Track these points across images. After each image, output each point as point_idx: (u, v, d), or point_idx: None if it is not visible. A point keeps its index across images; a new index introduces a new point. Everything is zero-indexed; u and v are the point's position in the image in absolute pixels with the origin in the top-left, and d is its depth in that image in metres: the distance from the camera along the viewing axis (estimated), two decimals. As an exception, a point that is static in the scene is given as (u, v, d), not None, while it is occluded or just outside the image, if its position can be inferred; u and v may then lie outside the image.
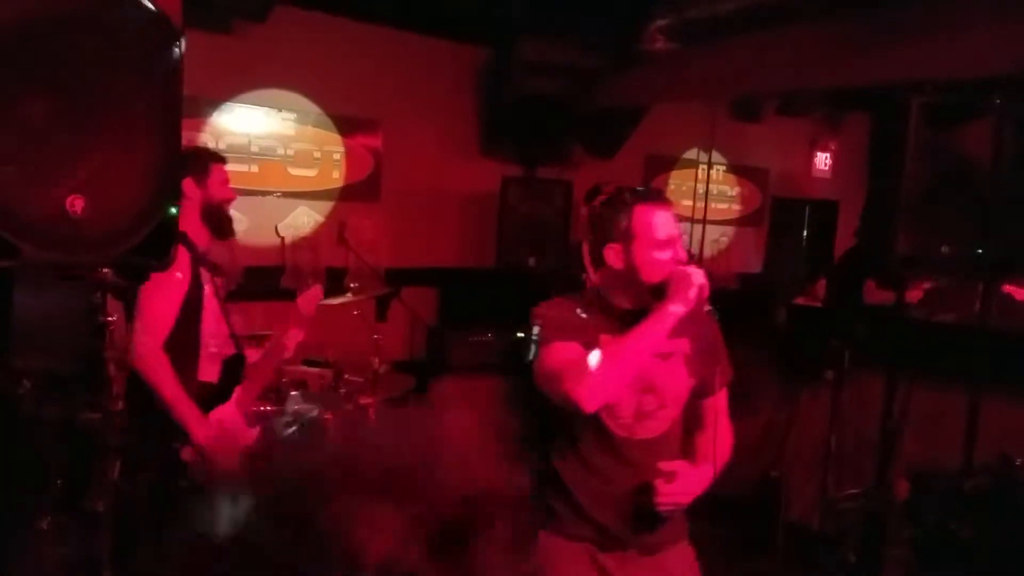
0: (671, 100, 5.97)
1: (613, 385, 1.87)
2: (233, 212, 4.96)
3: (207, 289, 2.75)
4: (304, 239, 5.32)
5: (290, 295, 3.19)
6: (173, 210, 1.71)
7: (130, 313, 3.03)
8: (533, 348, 1.95)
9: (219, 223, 2.77)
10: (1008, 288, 3.95)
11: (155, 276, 2.57)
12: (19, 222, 1.42)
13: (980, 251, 3.08)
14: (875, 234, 3.18)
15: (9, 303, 2.07)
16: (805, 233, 6.73)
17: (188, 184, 2.68)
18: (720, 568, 4.37)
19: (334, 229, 5.32)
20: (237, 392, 2.78)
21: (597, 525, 2.00)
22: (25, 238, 1.43)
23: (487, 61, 5.79)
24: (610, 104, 5.71)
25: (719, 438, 2.15)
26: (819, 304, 5.98)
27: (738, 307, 5.63)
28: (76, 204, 1.48)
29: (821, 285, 6.17)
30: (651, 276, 1.94)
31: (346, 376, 3.80)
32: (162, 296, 2.59)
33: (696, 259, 6.79)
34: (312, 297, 3.00)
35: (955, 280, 3.85)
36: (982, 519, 2.78)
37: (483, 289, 5.67)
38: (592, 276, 2.08)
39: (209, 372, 2.76)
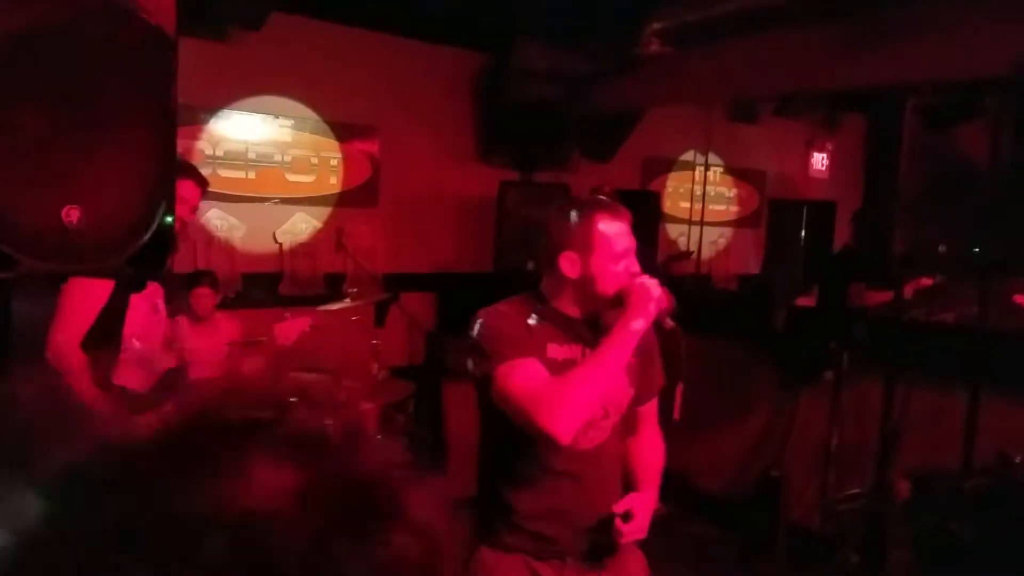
0: (668, 103, 5.98)
1: (587, 411, 1.84)
2: (231, 218, 5.03)
3: (136, 296, 2.70)
4: (302, 245, 5.33)
5: (289, 301, 3.19)
6: (169, 219, 1.71)
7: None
8: (484, 362, 1.90)
9: None
10: (1020, 299, 3.95)
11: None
12: (15, 233, 1.42)
13: (977, 250, 3.09)
14: (872, 235, 3.18)
15: (8, 314, 2.07)
16: (803, 234, 6.73)
17: None
18: (721, 569, 4.39)
19: (332, 235, 5.33)
20: (168, 405, 2.72)
21: (533, 534, 1.96)
22: (21, 249, 1.43)
23: (483, 66, 5.80)
24: (607, 108, 5.72)
25: (655, 446, 2.14)
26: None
27: (737, 309, 5.67)
28: (72, 214, 1.48)
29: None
30: (607, 288, 1.92)
31: (345, 382, 3.80)
32: (83, 295, 2.55)
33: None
34: (292, 328, 2.95)
35: (953, 279, 3.87)
36: (982, 519, 2.78)
37: (481, 293, 5.62)
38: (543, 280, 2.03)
39: (129, 377, 2.72)
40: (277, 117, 5.18)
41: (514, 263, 5.59)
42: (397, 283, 5.00)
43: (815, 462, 4.14)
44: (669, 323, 1.96)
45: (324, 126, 5.36)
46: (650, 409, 2.17)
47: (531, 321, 1.98)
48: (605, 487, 1.96)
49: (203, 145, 4.92)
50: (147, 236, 1.65)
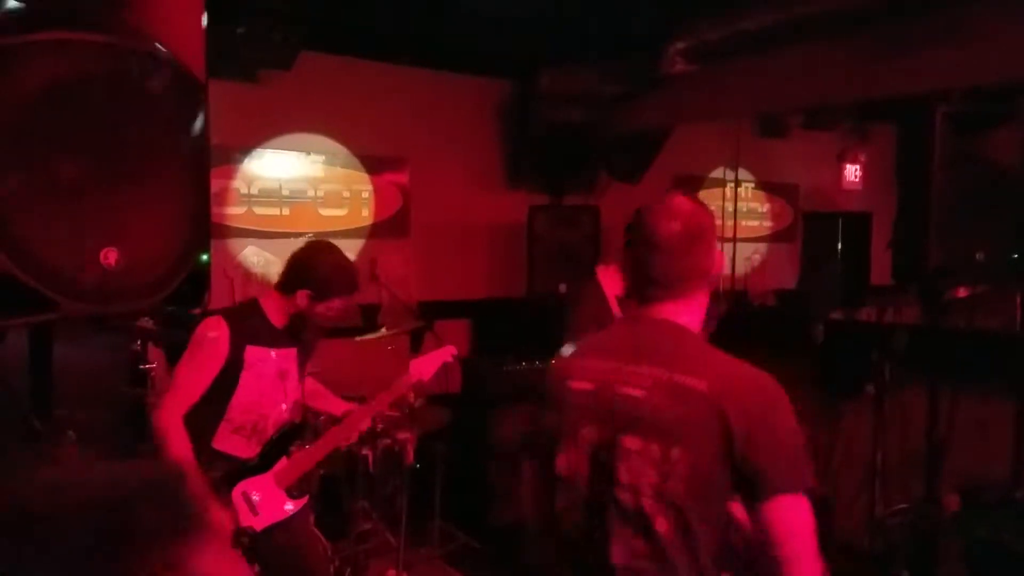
0: (694, 121, 5.97)
1: None
2: (267, 254, 5.11)
3: (258, 363, 2.73)
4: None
5: (325, 333, 3.21)
6: (204, 257, 1.75)
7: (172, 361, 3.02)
8: None
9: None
10: None
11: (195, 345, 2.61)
12: (54, 276, 1.46)
13: (1016, 256, 3.03)
14: (907, 245, 3.14)
15: (50, 355, 2.13)
16: (839, 246, 6.64)
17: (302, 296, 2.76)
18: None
19: (365, 266, 5.38)
20: (282, 463, 2.77)
21: None
22: (61, 292, 1.47)
23: (509, 94, 5.85)
24: (633, 129, 5.73)
25: None
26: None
27: (775, 324, 5.60)
28: (110, 256, 1.53)
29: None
30: None
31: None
32: (198, 366, 2.63)
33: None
34: (429, 363, 3.07)
35: (995, 286, 3.79)
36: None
37: (515, 319, 5.68)
38: None
39: (231, 444, 2.73)
40: (309, 153, 5.27)
41: (547, 287, 5.60)
42: (431, 311, 5.03)
43: (861, 478, 4.06)
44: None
45: (354, 160, 5.44)
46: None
47: None
48: None
49: (238, 184, 5.02)
50: (184, 275, 1.69)
